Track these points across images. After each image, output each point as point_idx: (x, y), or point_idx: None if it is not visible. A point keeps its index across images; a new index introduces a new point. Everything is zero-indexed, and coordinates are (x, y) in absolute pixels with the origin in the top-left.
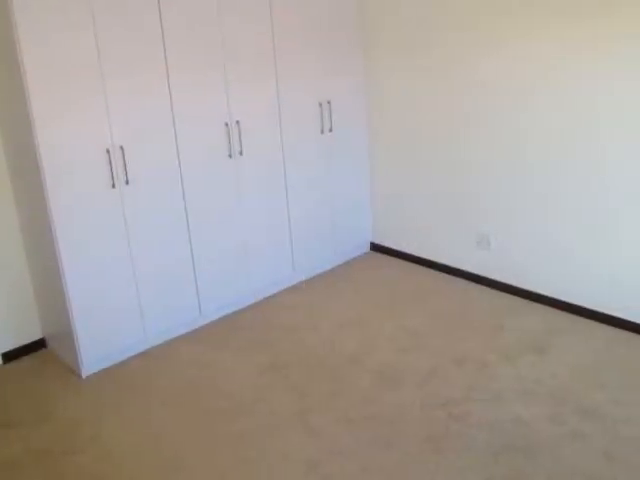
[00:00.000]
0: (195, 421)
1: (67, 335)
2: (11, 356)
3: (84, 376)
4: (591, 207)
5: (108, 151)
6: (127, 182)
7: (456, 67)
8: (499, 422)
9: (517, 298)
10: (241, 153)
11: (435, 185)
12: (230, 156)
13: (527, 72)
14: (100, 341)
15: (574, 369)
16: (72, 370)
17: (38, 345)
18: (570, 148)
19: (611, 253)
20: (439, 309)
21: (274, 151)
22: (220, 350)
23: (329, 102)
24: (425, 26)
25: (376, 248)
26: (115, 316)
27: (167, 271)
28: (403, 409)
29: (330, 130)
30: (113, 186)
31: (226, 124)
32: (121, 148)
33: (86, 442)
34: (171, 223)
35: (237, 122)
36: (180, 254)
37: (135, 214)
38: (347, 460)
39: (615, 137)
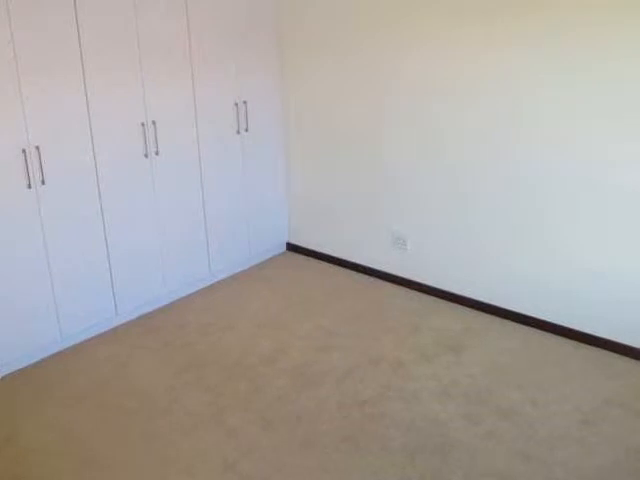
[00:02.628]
0: (112, 421)
1: None
2: None
3: None
4: (508, 208)
5: (24, 151)
6: (43, 182)
7: (372, 66)
8: (415, 422)
9: (433, 298)
10: (157, 153)
11: (351, 185)
12: (146, 156)
13: (446, 71)
14: (15, 342)
15: (490, 369)
16: None
17: None
18: (490, 148)
19: (527, 254)
20: (355, 309)
21: (190, 151)
22: (136, 350)
23: (245, 102)
24: (342, 26)
25: (293, 248)
26: (30, 316)
27: (83, 271)
28: (320, 409)
29: (246, 130)
30: (29, 186)
31: (142, 124)
32: (37, 148)
33: (1, 443)
34: (87, 223)
35: (153, 122)
36: (96, 254)
37: (51, 214)
38: (264, 460)
39: (537, 137)
